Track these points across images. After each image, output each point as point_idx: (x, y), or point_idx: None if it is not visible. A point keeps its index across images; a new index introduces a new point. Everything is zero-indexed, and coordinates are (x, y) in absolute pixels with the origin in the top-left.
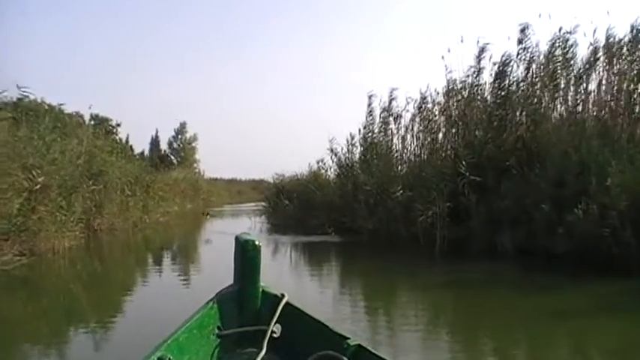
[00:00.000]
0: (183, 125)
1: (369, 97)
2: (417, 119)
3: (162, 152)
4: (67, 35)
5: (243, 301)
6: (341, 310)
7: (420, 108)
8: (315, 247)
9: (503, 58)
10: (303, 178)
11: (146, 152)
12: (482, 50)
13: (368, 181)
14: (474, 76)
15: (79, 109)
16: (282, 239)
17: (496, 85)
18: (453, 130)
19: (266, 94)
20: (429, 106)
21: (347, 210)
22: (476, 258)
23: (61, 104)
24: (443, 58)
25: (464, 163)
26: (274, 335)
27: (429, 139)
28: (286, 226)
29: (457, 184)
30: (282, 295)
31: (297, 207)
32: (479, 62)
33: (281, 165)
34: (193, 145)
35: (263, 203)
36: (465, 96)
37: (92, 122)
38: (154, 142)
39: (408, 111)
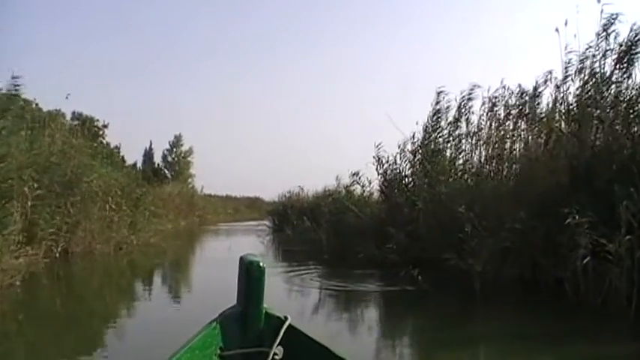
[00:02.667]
0: (178, 138)
1: (438, 94)
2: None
3: (156, 165)
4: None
5: (246, 322)
6: None
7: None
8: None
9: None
10: (337, 195)
11: (139, 165)
12: (609, 22)
13: (445, 197)
14: (600, 56)
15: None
16: (315, 284)
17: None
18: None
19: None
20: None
21: (414, 238)
22: None
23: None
24: (557, 30)
25: None
26: (276, 357)
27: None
28: (310, 255)
29: None
30: (286, 318)
31: (329, 232)
32: (606, 38)
33: (279, 184)
34: (189, 159)
35: (266, 222)
36: (586, 81)
37: (75, 122)
38: (148, 155)
39: (473, 113)
